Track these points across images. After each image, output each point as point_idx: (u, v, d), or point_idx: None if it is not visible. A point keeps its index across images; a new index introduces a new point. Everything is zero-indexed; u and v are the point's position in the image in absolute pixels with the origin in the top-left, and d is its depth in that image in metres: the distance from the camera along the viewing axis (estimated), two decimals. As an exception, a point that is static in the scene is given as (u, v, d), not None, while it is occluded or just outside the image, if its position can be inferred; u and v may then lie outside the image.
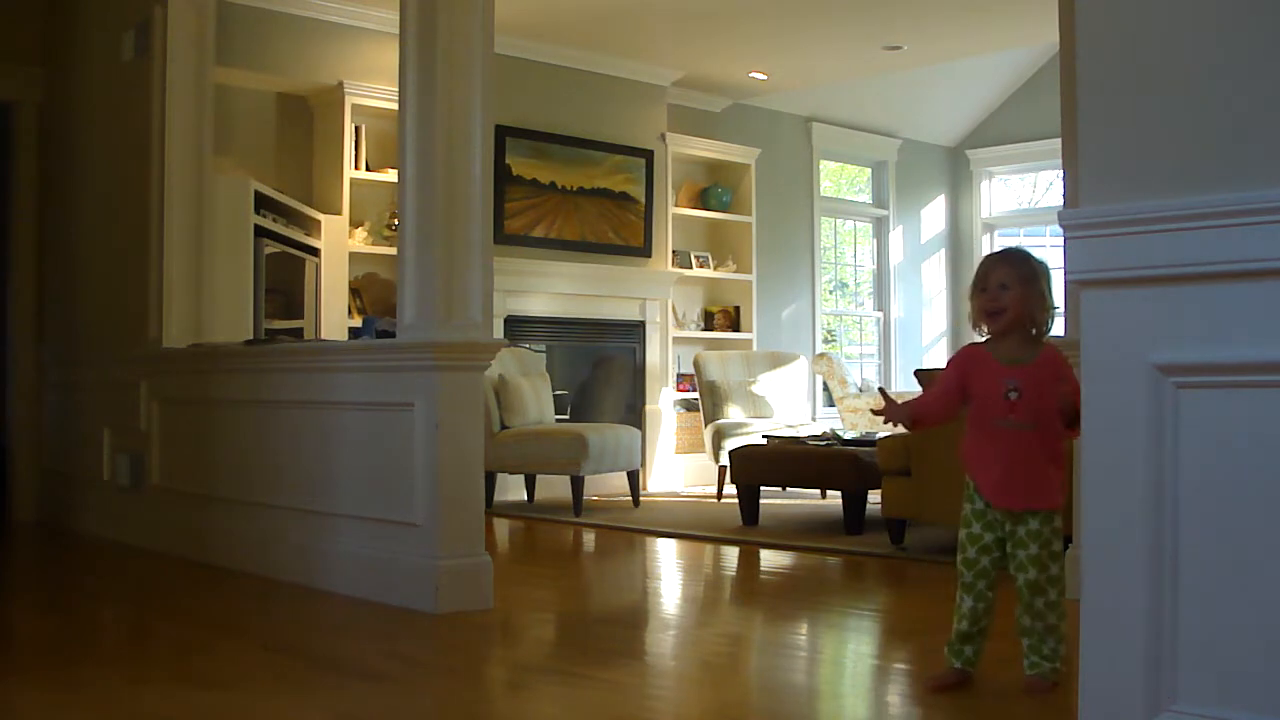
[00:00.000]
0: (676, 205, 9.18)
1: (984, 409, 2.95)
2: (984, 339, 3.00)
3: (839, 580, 5.03)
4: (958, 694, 3.01)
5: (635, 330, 8.78)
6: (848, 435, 6.97)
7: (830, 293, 10.85)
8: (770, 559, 5.51)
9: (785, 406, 8.51)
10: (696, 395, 8.56)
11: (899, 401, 3.00)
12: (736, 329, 9.59)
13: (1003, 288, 2.89)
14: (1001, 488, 2.93)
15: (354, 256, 7.40)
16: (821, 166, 10.56)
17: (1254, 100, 1.86)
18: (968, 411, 3.00)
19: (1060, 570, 2.94)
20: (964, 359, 3.00)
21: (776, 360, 8.74)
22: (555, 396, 7.84)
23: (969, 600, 2.98)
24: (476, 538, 4.12)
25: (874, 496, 5.91)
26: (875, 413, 3.03)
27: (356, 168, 7.40)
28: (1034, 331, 2.93)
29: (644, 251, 8.77)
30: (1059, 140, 4.43)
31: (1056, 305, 2.97)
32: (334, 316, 7.20)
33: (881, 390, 3.16)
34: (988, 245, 11.44)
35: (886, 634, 4.03)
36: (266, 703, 2.94)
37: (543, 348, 8.27)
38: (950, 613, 3.05)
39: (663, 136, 8.92)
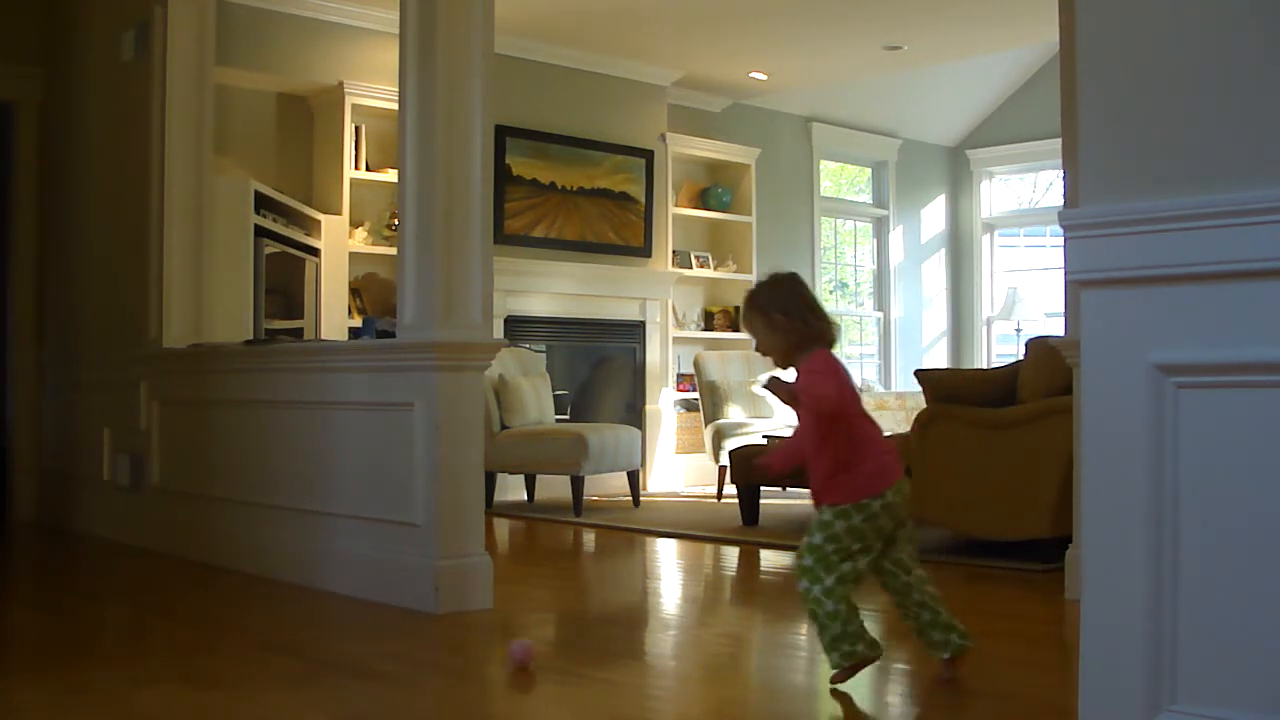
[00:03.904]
0: (676, 205, 9.18)
1: None
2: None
3: (839, 580, 5.02)
4: (955, 694, 3.01)
5: (635, 330, 8.78)
6: (848, 435, 6.96)
7: (830, 293, 10.84)
8: (770, 559, 5.51)
9: (785, 407, 8.49)
10: (696, 395, 8.56)
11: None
12: (737, 329, 9.58)
13: (755, 336, 3.01)
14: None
15: (354, 256, 7.40)
16: (821, 166, 10.56)
17: (1254, 100, 1.86)
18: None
19: (810, 560, 2.94)
20: None
21: (776, 360, 8.74)
22: (555, 396, 7.83)
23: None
24: (476, 538, 4.12)
25: (874, 496, 5.90)
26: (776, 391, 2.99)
27: (356, 168, 7.40)
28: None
29: (644, 251, 8.77)
30: (1059, 140, 4.43)
31: (814, 307, 2.96)
32: (334, 316, 7.19)
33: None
34: (988, 245, 11.44)
35: (886, 634, 4.02)
36: (266, 703, 2.94)
37: (543, 348, 8.27)
38: (950, 611, 3.05)
39: (663, 136, 8.92)
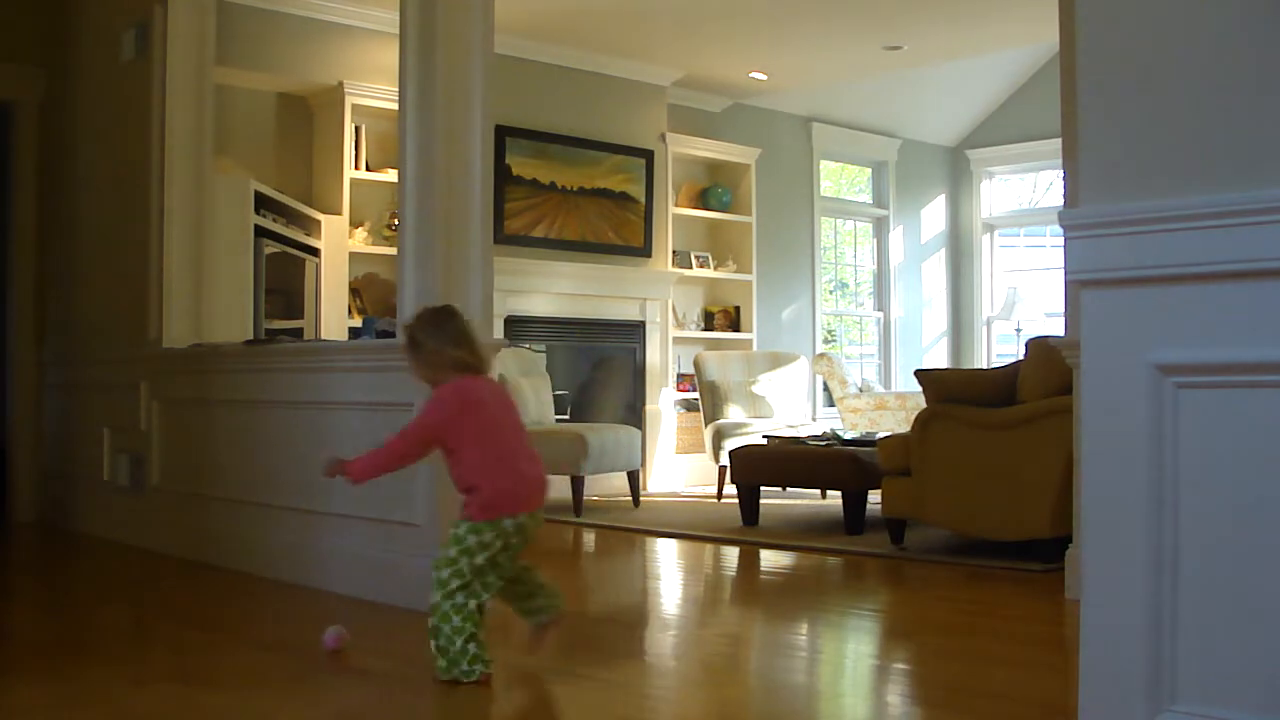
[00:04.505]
0: (676, 205, 9.18)
1: None
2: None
3: (839, 580, 5.03)
4: (954, 694, 3.01)
5: (635, 330, 8.77)
6: (848, 435, 6.97)
7: (830, 293, 10.85)
8: (770, 559, 5.51)
9: (785, 406, 8.51)
10: (696, 395, 8.56)
11: None
12: (736, 329, 9.59)
13: (410, 363, 3.23)
14: None
15: (354, 256, 7.40)
16: (821, 166, 10.56)
17: (1253, 100, 1.86)
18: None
19: (446, 573, 3.06)
20: None
21: (776, 360, 8.74)
22: (555, 396, 7.83)
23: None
24: (476, 538, 4.11)
25: (874, 496, 5.92)
26: None
27: (356, 168, 7.40)
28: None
29: (644, 251, 8.77)
30: (1059, 140, 4.43)
31: (459, 339, 3.15)
32: (334, 316, 7.19)
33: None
34: (988, 245, 11.44)
35: (886, 634, 4.03)
36: (266, 703, 2.94)
37: (543, 348, 8.26)
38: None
39: (663, 136, 8.91)
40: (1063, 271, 2.18)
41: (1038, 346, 5.26)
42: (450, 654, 3.04)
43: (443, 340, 3.14)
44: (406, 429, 3.18)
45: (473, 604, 3.06)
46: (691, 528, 6.35)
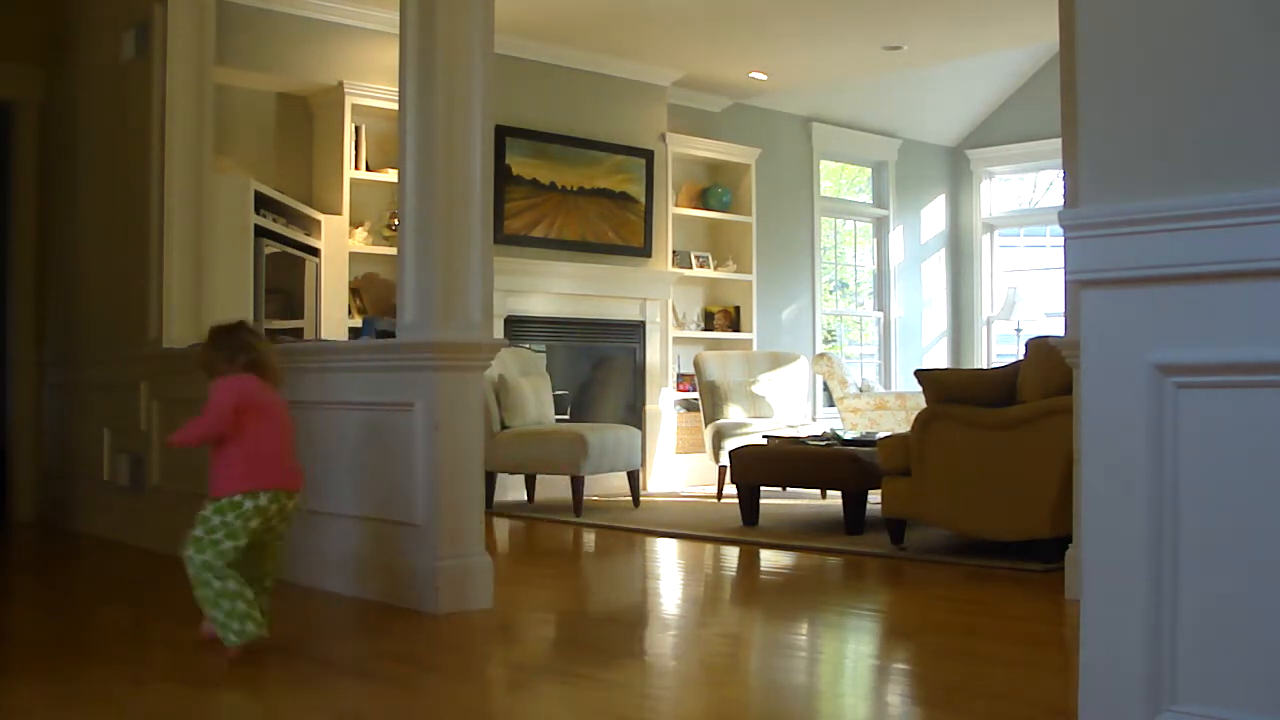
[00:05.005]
0: (676, 205, 9.18)
1: None
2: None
3: (839, 580, 5.03)
4: (954, 694, 3.01)
5: (635, 330, 8.78)
6: (848, 435, 6.97)
7: (830, 293, 10.85)
8: (770, 559, 5.51)
9: (785, 406, 8.51)
10: (696, 395, 8.56)
11: None
12: (736, 329, 9.59)
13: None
14: None
15: (354, 256, 7.40)
16: (821, 166, 10.56)
17: (1253, 100, 1.86)
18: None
19: (194, 550, 3.37)
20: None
21: (776, 360, 8.74)
22: (555, 396, 7.83)
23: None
24: (476, 538, 4.12)
25: (874, 496, 5.92)
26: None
27: (356, 168, 7.40)
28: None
29: (644, 251, 8.77)
30: (1059, 140, 4.43)
31: (242, 346, 3.62)
32: (334, 316, 7.19)
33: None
34: (988, 245, 11.44)
35: (886, 634, 4.03)
36: (266, 703, 2.94)
37: (543, 348, 8.27)
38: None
39: (663, 136, 8.92)
40: (1063, 271, 2.18)
41: (1038, 346, 5.27)
42: (223, 613, 3.32)
43: (229, 349, 3.60)
44: (205, 415, 3.49)
45: (225, 570, 3.36)
46: (691, 528, 6.35)
